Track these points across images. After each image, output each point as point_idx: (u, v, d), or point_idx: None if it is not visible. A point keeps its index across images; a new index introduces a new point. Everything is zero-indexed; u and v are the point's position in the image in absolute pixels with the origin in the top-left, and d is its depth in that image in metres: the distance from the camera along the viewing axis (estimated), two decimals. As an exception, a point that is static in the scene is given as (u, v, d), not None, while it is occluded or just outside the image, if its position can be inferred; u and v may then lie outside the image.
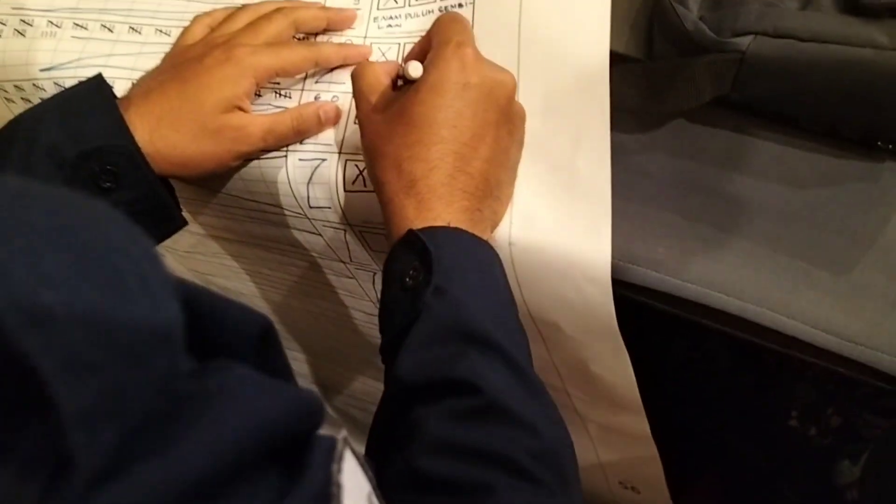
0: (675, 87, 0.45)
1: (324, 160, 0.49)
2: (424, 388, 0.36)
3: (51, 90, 0.55)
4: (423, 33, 0.52)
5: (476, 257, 0.40)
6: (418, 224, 0.40)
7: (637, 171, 0.48)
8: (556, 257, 0.45)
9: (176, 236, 0.50)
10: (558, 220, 0.45)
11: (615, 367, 0.50)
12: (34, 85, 0.55)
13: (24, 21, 0.57)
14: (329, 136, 0.50)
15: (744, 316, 0.43)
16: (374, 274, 0.56)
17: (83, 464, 0.16)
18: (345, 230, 0.51)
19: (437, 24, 0.45)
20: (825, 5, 0.45)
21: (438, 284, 0.37)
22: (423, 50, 0.46)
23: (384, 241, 0.51)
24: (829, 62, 0.42)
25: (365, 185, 0.48)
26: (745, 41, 0.43)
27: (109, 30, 0.56)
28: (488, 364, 0.36)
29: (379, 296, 0.59)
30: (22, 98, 0.57)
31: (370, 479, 0.25)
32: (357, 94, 0.46)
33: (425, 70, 0.43)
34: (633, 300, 0.46)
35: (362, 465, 0.25)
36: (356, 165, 0.48)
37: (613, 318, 0.45)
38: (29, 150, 0.42)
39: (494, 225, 0.45)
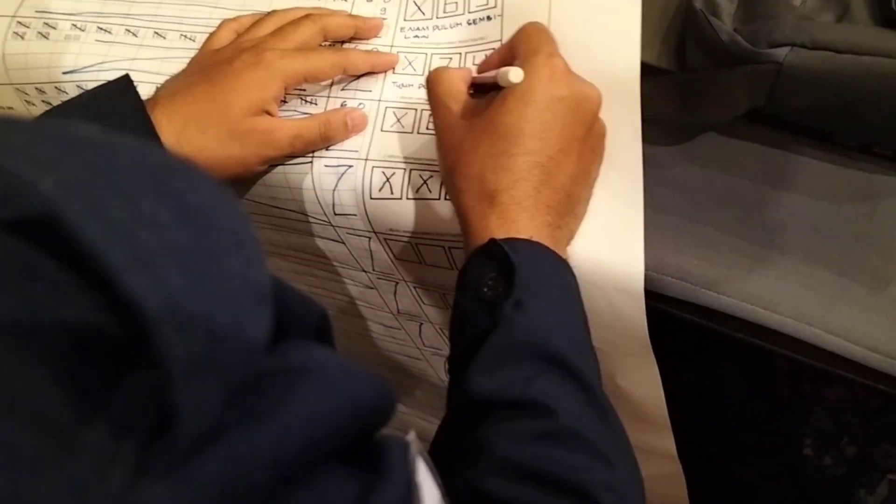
0: (711, 98, 0.45)
1: (350, 167, 0.48)
2: (496, 405, 0.34)
3: (73, 93, 0.54)
4: (451, 45, 0.52)
5: (557, 275, 0.39)
6: (500, 235, 0.38)
7: (670, 184, 0.48)
8: (588, 268, 0.44)
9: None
10: (591, 231, 0.44)
11: (644, 381, 0.49)
12: (56, 88, 0.55)
13: (47, 24, 0.56)
14: (355, 142, 0.49)
15: (782, 330, 0.43)
16: (396, 284, 0.55)
17: (188, 422, 0.15)
18: (369, 238, 0.50)
19: (522, 33, 0.44)
20: (861, 19, 0.45)
21: (519, 298, 0.36)
22: (504, 59, 0.45)
23: (409, 249, 0.50)
24: (866, 74, 0.41)
25: (391, 193, 0.47)
26: (781, 52, 0.43)
27: (134, 34, 0.56)
28: (564, 388, 0.34)
29: (399, 307, 0.58)
30: (43, 101, 0.56)
31: (439, 485, 0.24)
32: (434, 99, 0.45)
33: None
34: (665, 313, 0.45)
35: (431, 470, 0.24)
36: (383, 172, 0.48)
37: (645, 329, 0.45)
38: None
39: (569, 242, 0.43)
